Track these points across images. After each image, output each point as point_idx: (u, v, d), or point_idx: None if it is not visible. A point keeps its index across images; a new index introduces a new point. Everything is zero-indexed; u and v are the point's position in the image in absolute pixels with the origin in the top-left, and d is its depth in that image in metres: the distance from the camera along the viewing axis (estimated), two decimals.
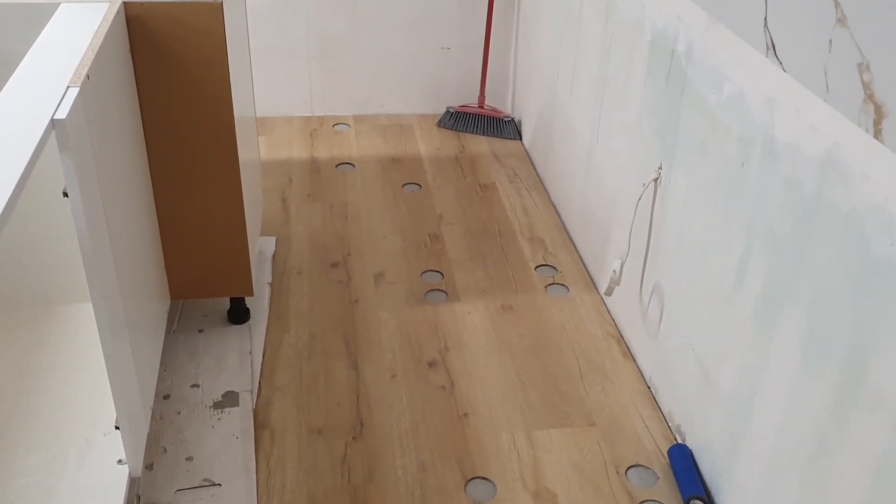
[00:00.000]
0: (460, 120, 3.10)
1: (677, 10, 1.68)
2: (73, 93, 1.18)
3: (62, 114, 1.12)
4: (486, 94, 3.13)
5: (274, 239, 2.38)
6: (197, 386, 1.85)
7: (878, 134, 1.08)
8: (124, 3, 1.53)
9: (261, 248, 2.32)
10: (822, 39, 1.19)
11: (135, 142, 1.61)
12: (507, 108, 3.19)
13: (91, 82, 1.27)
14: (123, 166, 1.50)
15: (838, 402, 1.20)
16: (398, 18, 3.00)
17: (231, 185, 1.79)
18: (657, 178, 1.81)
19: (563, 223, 2.52)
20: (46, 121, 1.11)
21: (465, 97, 3.18)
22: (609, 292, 1.97)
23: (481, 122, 3.09)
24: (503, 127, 3.07)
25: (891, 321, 1.08)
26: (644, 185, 1.86)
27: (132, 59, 1.59)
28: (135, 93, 1.62)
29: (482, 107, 3.12)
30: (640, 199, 1.86)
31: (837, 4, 1.16)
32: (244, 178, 1.84)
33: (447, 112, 3.13)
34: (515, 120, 3.08)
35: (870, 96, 1.10)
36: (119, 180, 1.45)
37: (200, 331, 2.01)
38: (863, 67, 1.11)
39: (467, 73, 3.14)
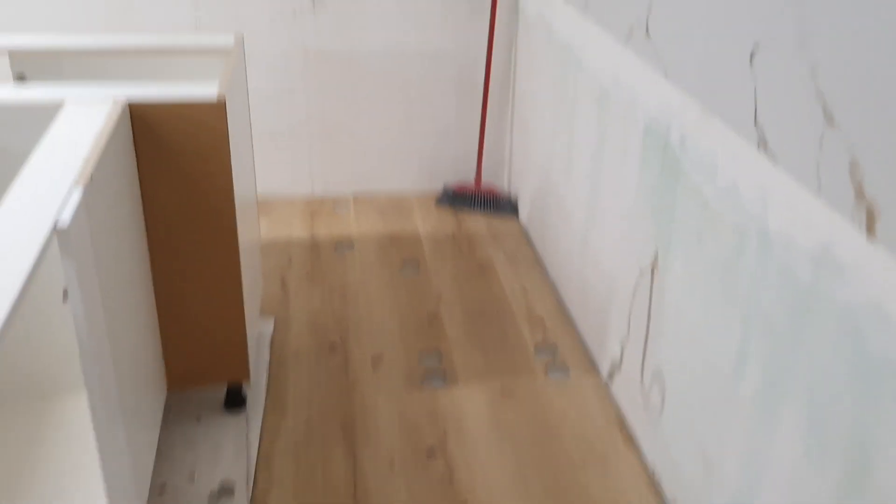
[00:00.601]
0: (458, 198, 3.14)
1: (669, 101, 1.71)
2: (77, 196, 1.20)
3: (65, 219, 1.13)
4: (483, 172, 3.18)
5: (272, 320, 2.38)
6: (193, 477, 1.82)
7: (871, 233, 1.10)
8: (129, 104, 1.57)
9: (259, 330, 2.31)
10: (813, 137, 1.22)
11: (136, 235, 1.62)
12: (504, 187, 3.23)
13: (95, 183, 1.29)
14: (124, 262, 1.51)
15: (842, 499, 1.18)
16: (397, 100, 3.06)
17: (231, 273, 1.79)
18: (653, 265, 1.82)
19: (562, 303, 2.53)
20: (49, 227, 1.12)
21: (463, 175, 3.22)
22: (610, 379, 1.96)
23: (478, 200, 3.12)
24: (500, 205, 3.10)
25: (891, 419, 1.07)
26: (641, 270, 1.87)
27: (136, 154, 1.62)
28: (137, 187, 1.64)
29: (479, 185, 3.15)
30: (637, 283, 1.87)
31: (825, 104, 1.19)
32: (244, 263, 1.85)
33: (445, 190, 3.16)
34: (512, 198, 3.12)
35: (861, 195, 1.12)
36: (119, 277, 1.45)
37: (198, 419, 1.99)
38: (854, 167, 1.13)
39: (464, 152, 3.19)
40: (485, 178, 3.19)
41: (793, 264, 1.29)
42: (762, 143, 1.36)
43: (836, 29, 1.16)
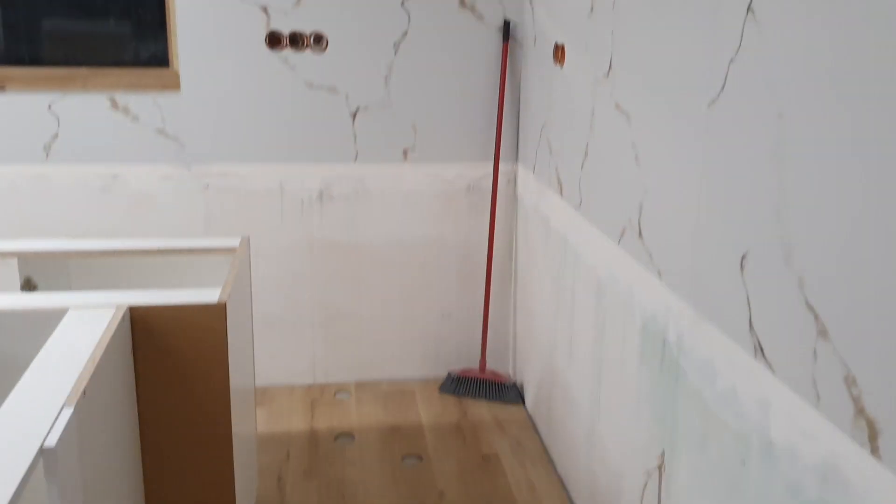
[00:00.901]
0: (462, 385, 3.11)
1: (665, 301, 1.73)
2: (66, 415, 1.19)
3: (51, 440, 1.12)
4: (487, 358, 3.16)
5: None
6: None
7: (874, 450, 1.07)
8: (130, 308, 1.59)
9: None
10: (807, 348, 1.22)
11: (129, 438, 1.59)
12: (508, 372, 3.21)
13: (88, 398, 1.28)
14: (114, 471, 1.47)
15: None
16: (399, 286, 3.11)
17: (223, 474, 1.75)
18: (661, 466, 1.76)
19: (570, 500, 2.43)
20: (36, 448, 1.11)
21: (467, 361, 3.21)
22: None
23: (483, 386, 3.09)
24: (505, 392, 3.07)
25: None
26: (648, 472, 1.81)
27: (134, 358, 1.63)
28: (133, 391, 1.63)
29: (483, 371, 3.13)
30: (645, 485, 1.81)
31: (817, 316, 1.20)
32: (238, 462, 1.81)
33: (448, 377, 3.14)
34: (517, 384, 3.09)
35: (861, 410, 1.10)
36: (108, 487, 1.41)
37: None
38: (850, 381, 1.12)
39: (468, 337, 3.20)
40: (489, 364, 3.17)
41: (799, 479, 1.25)
42: (758, 351, 1.35)
43: (820, 243, 1.19)
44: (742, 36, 1.38)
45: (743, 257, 1.40)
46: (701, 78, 1.53)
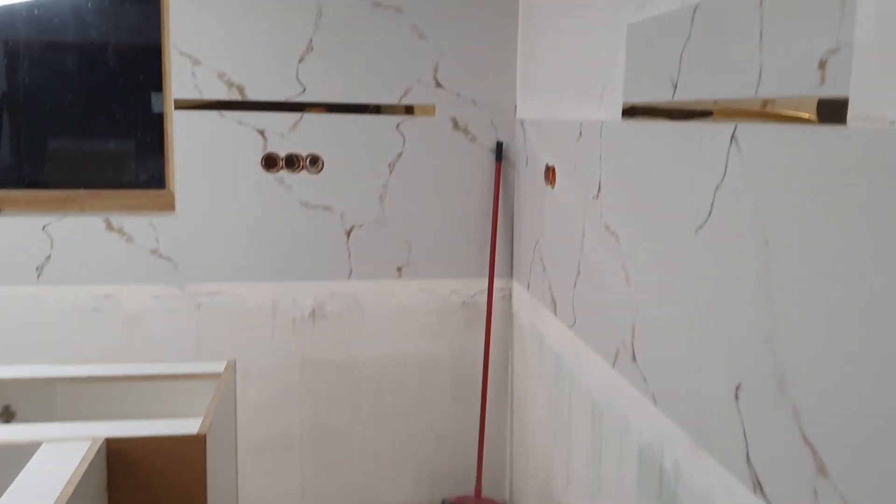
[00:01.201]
0: None
1: (660, 428, 1.68)
2: None
3: None
4: (483, 482, 3.06)
5: None
6: None
7: None
8: (106, 440, 1.54)
9: None
10: (807, 486, 1.16)
11: None
12: (505, 497, 3.09)
13: None
14: None
15: None
16: (393, 406, 3.04)
17: None
18: None
19: None
20: None
21: (462, 485, 3.10)
22: None
23: None
24: None
25: None
26: None
27: (108, 491, 1.56)
28: None
29: (479, 497, 3.02)
30: None
31: (815, 451, 1.15)
32: None
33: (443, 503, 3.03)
34: None
35: None
36: None
37: None
38: None
39: (463, 460, 3.10)
40: (485, 489, 3.06)
41: None
42: (757, 486, 1.29)
43: (813, 374, 1.15)
44: (727, 164, 1.38)
45: (737, 387, 1.36)
46: (688, 204, 1.53)
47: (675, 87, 1.57)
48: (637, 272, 1.78)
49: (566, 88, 2.33)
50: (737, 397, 1.36)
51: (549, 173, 2.48)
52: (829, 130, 1.12)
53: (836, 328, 1.10)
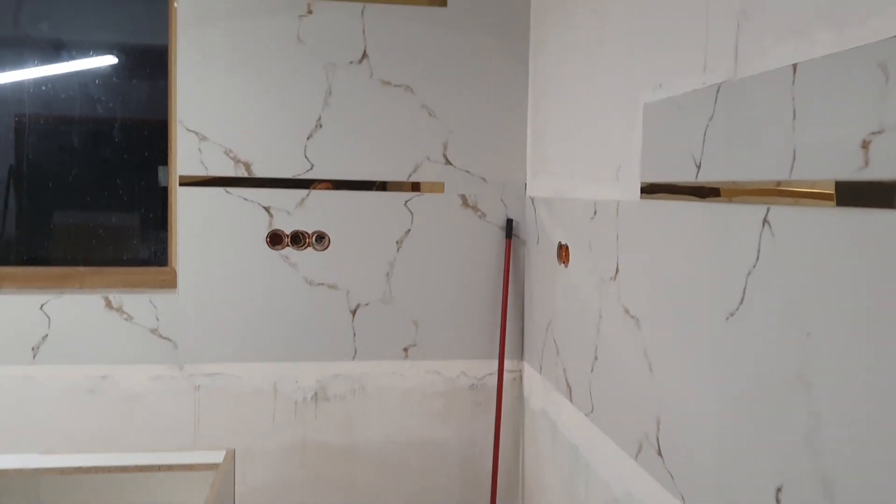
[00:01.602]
0: None
1: None
2: None
3: None
4: None
5: None
6: None
7: None
8: None
9: None
10: None
11: None
12: None
13: None
14: None
15: None
16: (397, 493, 2.90)
17: None
18: None
19: None
20: None
21: None
22: None
23: None
24: None
25: None
26: None
27: None
28: None
29: None
30: None
31: None
32: None
33: None
34: None
35: None
36: None
37: None
38: None
39: None
40: None
41: None
42: None
43: (863, 480, 1.05)
44: (759, 248, 1.31)
45: (778, 489, 1.25)
46: (716, 289, 1.45)
47: (699, 166, 1.51)
48: (661, 360, 1.69)
49: (579, 167, 2.28)
50: (777, 500, 1.25)
51: (562, 252, 2.41)
52: (875, 214, 1.05)
53: (888, 430, 1.01)
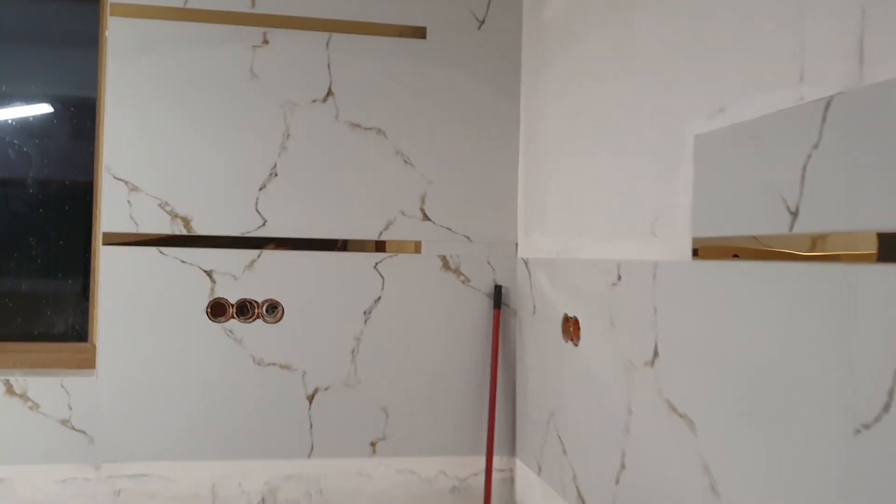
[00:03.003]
0: None
1: None
2: None
3: None
4: None
5: None
6: None
7: None
8: None
9: None
10: None
11: None
12: None
13: None
14: None
15: None
16: None
17: None
18: None
19: None
20: None
21: None
22: None
23: None
24: None
25: None
26: None
27: None
28: None
29: None
30: None
31: None
32: None
33: None
34: None
35: None
36: None
37: None
38: None
39: None
40: None
41: None
42: None
43: None
44: None
45: None
46: (835, 387, 1.01)
47: (795, 213, 1.09)
48: (734, 480, 1.24)
49: (592, 220, 1.86)
50: None
51: (570, 326, 1.97)
52: None
53: None
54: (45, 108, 2.41)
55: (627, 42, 1.68)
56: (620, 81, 1.71)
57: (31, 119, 2.40)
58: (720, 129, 1.30)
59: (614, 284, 1.70)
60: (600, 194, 1.81)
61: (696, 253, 1.37)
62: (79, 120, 2.42)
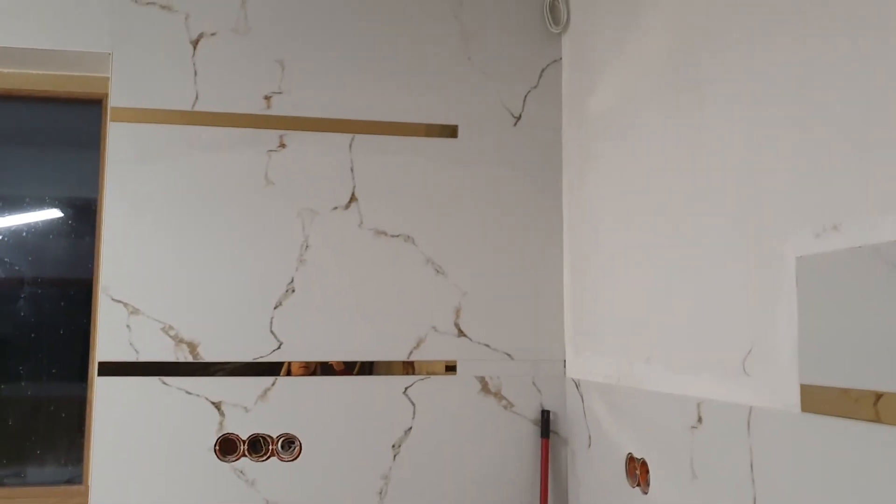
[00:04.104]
0: None
1: None
2: None
3: None
4: None
5: None
6: None
7: None
8: None
9: None
10: None
11: None
12: None
13: None
14: None
15: None
16: None
17: None
18: None
19: None
20: None
21: None
22: None
23: None
24: None
25: None
26: None
27: None
28: None
29: None
30: None
31: None
32: None
33: None
34: None
35: None
36: None
37: None
38: None
39: None
40: None
41: None
42: None
43: None
44: None
45: None
46: None
47: None
48: None
49: (658, 343, 1.57)
50: None
51: (635, 468, 1.66)
52: None
53: None
54: (41, 217, 2.21)
55: (698, 137, 1.43)
56: (690, 182, 1.45)
57: (24, 233, 2.20)
58: (834, 251, 1.03)
59: (694, 427, 1.40)
60: (669, 315, 1.53)
61: (806, 404, 1.07)
62: (76, 234, 2.21)
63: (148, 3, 2.11)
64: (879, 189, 0.95)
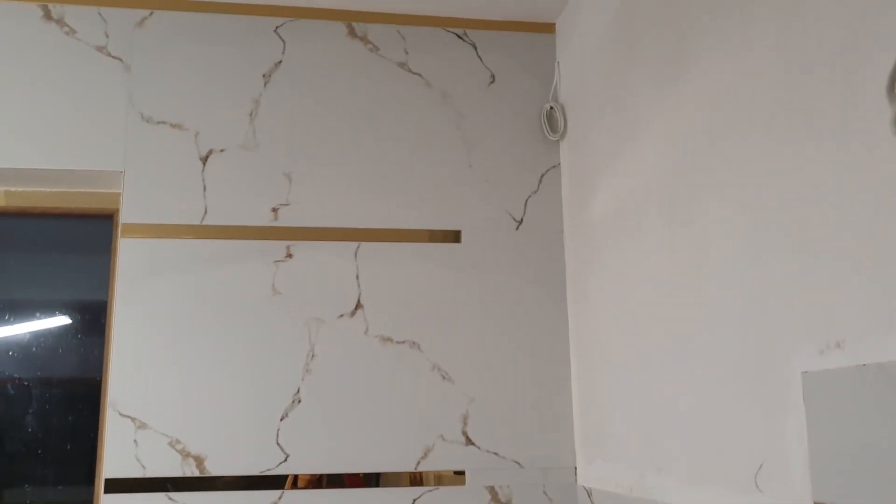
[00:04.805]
0: None
1: None
2: None
3: None
4: None
5: None
6: None
7: None
8: None
9: None
10: None
11: None
12: None
13: None
14: None
15: None
16: None
17: None
18: None
19: None
20: None
21: None
22: None
23: None
24: None
25: None
26: None
27: None
28: None
29: None
30: None
31: None
32: None
33: None
34: None
35: None
36: None
37: None
38: None
39: None
40: None
41: None
42: None
43: None
44: None
45: None
46: None
47: None
48: None
49: (670, 454, 1.55)
50: None
51: None
52: None
53: None
54: (50, 324, 2.23)
55: (699, 248, 1.45)
56: (693, 293, 1.47)
57: (34, 349, 2.21)
58: (839, 368, 1.03)
59: None
60: (678, 425, 1.52)
61: None
62: (86, 347, 2.23)
63: (159, 122, 2.18)
64: (883, 308, 0.96)
